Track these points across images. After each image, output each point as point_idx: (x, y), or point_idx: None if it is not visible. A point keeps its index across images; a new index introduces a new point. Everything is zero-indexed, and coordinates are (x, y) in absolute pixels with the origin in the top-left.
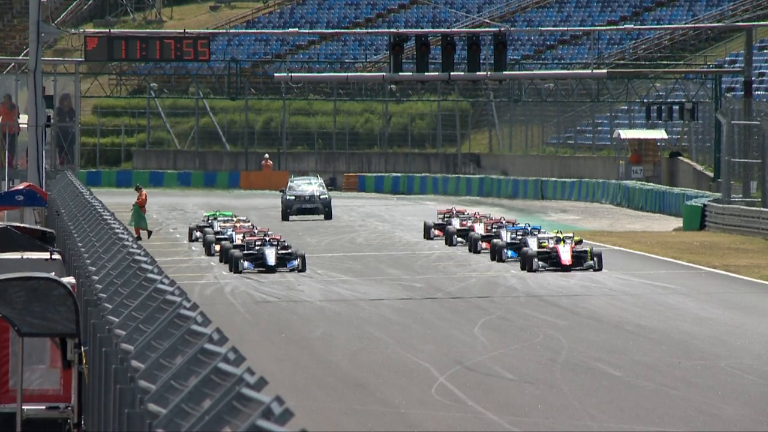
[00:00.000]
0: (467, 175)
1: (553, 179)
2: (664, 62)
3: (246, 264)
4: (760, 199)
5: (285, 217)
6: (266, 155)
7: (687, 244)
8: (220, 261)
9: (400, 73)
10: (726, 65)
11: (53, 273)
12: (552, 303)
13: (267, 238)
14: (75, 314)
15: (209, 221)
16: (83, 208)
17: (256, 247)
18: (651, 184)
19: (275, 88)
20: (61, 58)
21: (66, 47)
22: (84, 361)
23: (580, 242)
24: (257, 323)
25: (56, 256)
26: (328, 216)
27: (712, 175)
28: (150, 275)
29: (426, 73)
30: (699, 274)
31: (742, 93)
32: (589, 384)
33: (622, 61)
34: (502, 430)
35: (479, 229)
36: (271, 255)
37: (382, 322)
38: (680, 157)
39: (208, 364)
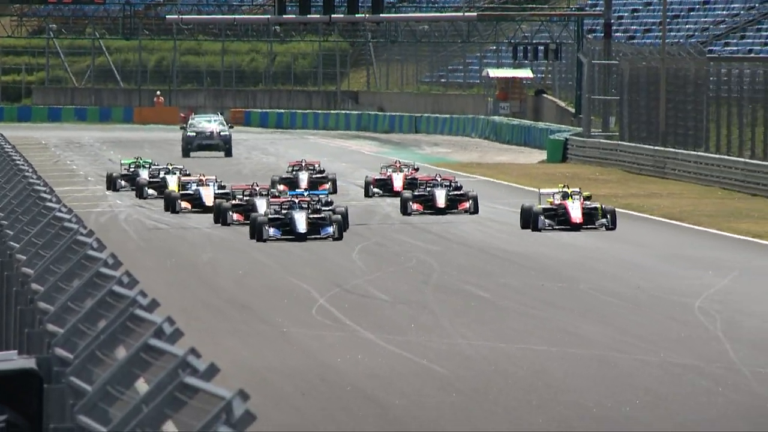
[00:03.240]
0: (346, 111)
1: (427, 115)
2: (530, 5)
3: (272, 231)
4: (617, 133)
5: (186, 153)
6: (158, 92)
7: (550, 175)
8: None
9: (284, 16)
10: (587, 8)
11: None
12: (424, 230)
13: (296, 200)
14: None
15: (131, 169)
16: None
17: (283, 211)
18: (517, 119)
19: (167, 29)
20: None
21: None
22: None
23: (589, 198)
24: (149, 249)
25: None
26: (228, 153)
27: (573, 111)
28: (49, 204)
29: (308, 16)
30: None
31: (602, 35)
32: (459, 305)
33: (491, 5)
34: (380, 348)
35: (398, 181)
36: (301, 220)
37: (266, 248)
38: (544, 95)
39: (103, 287)
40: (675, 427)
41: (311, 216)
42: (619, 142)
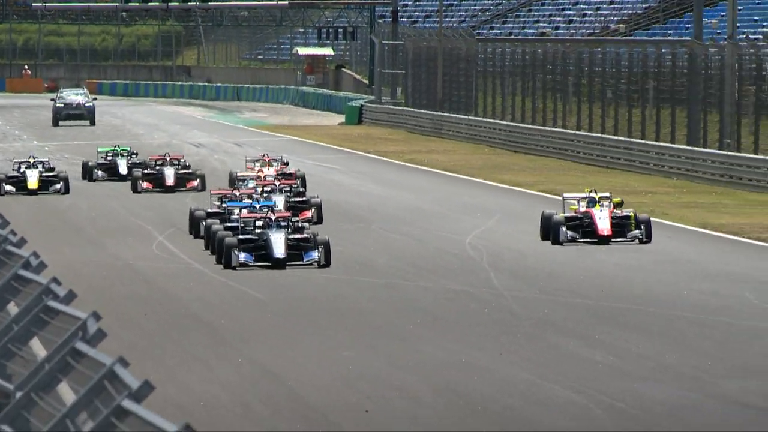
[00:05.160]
0: (180, 83)
1: (246, 86)
2: None
3: (243, 256)
4: (403, 101)
5: (55, 122)
6: (26, 66)
7: (348, 135)
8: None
9: (130, 3)
10: None
11: None
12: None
13: (271, 216)
14: None
15: (109, 157)
16: None
17: (256, 229)
18: (321, 89)
19: (33, 14)
20: None
21: None
22: None
23: (621, 204)
24: (14, 198)
25: None
26: (92, 122)
27: (367, 82)
28: None
29: (149, 3)
30: (357, 157)
31: (390, 20)
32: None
33: None
34: (208, 277)
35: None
36: (279, 243)
37: (115, 195)
38: (343, 69)
39: None
40: (450, 340)
41: (292, 237)
42: (404, 108)
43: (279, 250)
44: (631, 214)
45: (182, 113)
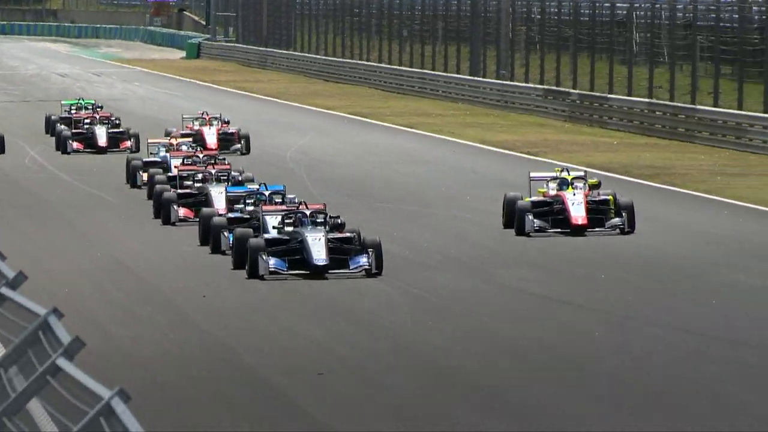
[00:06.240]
0: (49, 23)
1: (105, 26)
2: None
3: (273, 262)
4: (235, 39)
5: None
6: None
7: (188, 67)
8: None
9: None
10: None
11: None
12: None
13: (303, 209)
14: None
15: (72, 111)
16: None
17: (286, 225)
18: (166, 29)
19: None
20: None
21: None
22: None
23: (597, 186)
24: None
25: None
26: None
27: (205, 23)
28: None
29: None
30: (196, 86)
31: None
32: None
33: None
34: (70, 185)
35: (211, 137)
36: (318, 245)
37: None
38: (185, 12)
39: None
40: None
41: (332, 237)
42: (236, 45)
43: (319, 255)
44: (610, 197)
45: (51, 49)
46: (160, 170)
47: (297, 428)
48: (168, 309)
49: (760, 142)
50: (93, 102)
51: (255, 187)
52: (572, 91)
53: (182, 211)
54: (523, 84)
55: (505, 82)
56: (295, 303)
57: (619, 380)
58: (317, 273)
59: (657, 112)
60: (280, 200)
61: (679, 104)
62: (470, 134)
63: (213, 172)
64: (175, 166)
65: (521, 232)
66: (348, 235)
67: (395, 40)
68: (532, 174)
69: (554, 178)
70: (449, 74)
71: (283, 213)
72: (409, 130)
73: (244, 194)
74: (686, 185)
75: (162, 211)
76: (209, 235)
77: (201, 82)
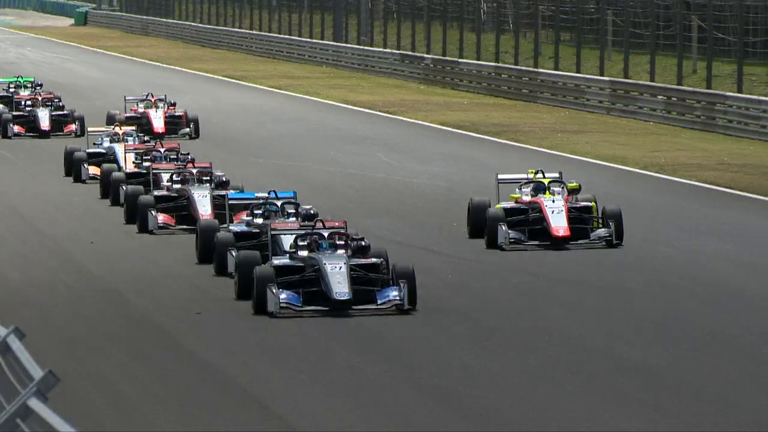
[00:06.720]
0: None
1: None
2: None
3: (284, 296)
4: (119, 8)
5: None
6: None
7: (77, 34)
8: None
9: None
10: None
11: None
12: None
13: (320, 223)
14: None
15: (10, 89)
16: None
17: (300, 252)
18: None
19: None
20: None
21: None
22: None
23: (578, 190)
24: None
25: None
26: None
27: None
28: None
29: None
30: (84, 51)
31: None
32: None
33: None
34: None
35: (158, 120)
36: (338, 276)
37: None
38: None
39: None
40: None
41: (356, 264)
42: (120, 13)
43: (341, 287)
44: (592, 203)
45: None
46: (116, 166)
47: (174, 360)
48: (59, 254)
49: (596, 102)
50: (32, 80)
51: (262, 194)
52: (426, 56)
53: (161, 217)
54: (382, 49)
55: (365, 48)
56: (179, 251)
57: None
58: (338, 309)
59: (503, 75)
60: (293, 211)
61: (523, 68)
62: (334, 95)
63: (194, 171)
64: (132, 162)
65: (493, 244)
66: (374, 260)
67: (265, 9)
68: (500, 176)
69: (528, 182)
70: (315, 40)
71: (296, 234)
72: (279, 91)
73: (250, 201)
74: (529, 141)
75: (138, 217)
76: (211, 253)
77: (89, 47)
